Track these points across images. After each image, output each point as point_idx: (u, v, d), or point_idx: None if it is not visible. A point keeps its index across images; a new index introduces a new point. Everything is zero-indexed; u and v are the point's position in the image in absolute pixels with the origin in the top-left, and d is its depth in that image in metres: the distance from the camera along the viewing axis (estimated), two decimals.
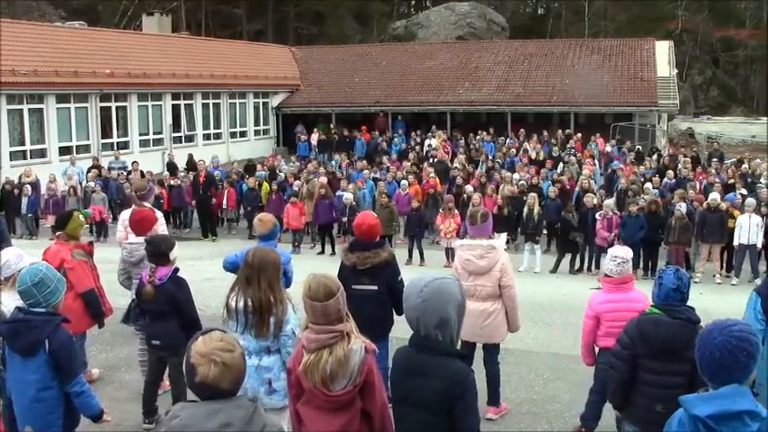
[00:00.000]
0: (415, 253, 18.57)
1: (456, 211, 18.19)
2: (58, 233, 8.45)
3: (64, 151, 28.27)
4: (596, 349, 7.23)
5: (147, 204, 9.67)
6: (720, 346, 3.35)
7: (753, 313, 5.46)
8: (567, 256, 17.82)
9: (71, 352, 5.37)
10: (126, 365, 9.22)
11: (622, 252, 7.12)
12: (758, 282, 15.47)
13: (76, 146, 29.16)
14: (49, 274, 5.40)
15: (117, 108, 31.62)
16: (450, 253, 17.21)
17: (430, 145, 31.73)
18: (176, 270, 7.24)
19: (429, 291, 3.88)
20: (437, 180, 22.77)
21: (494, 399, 7.69)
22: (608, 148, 29.90)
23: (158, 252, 7.16)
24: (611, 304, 6.96)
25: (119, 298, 9.03)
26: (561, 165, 25.98)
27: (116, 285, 8.96)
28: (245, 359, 3.39)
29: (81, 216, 8.73)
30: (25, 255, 6.51)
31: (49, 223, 20.14)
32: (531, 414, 8.02)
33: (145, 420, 7.39)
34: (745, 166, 25.39)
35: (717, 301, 13.43)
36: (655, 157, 27.35)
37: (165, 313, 7.06)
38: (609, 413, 6.90)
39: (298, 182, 22.52)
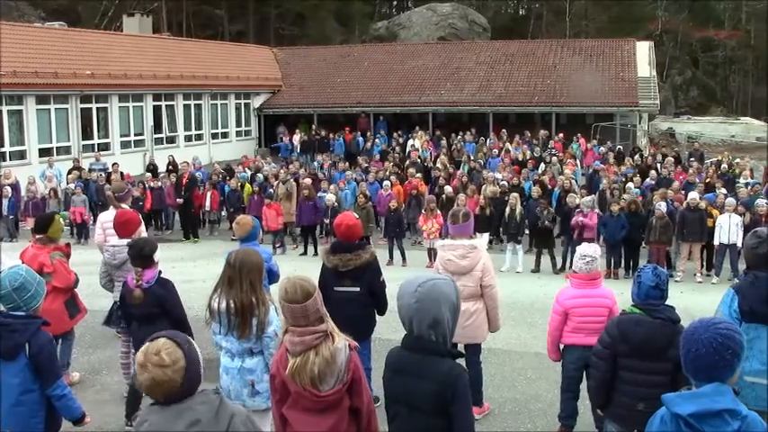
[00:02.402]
0: (397, 254, 18.55)
1: (438, 212, 18.18)
2: (38, 236, 8.38)
3: (44, 153, 28.08)
4: (561, 346, 7.29)
5: (124, 206, 9.61)
6: (706, 342, 3.36)
7: (727, 311, 5.50)
8: (546, 256, 17.90)
9: (52, 355, 5.34)
10: (107, 368, 9.17)
11: (591, 251, 7.15)
12: (738, 280, 15.65)
13: (57, 147, 29.01)
14: (29, 278, 5.36)
15: (97, 109, 31.45)
16: (432, 253, 17.21)
17: (413, 145, 31.72)
18: (159, 272, 7.19)
19: (423, 291, 3.88)
20: (421, 181, 22.76)
21: (476, 399, 7.69)
22: (602, 149, 29.92)
23: (142, 255, 7.08)
24: (580, 300, 7.01)
25: (100, 300, 8.99)
26: (543, 165, 26.10)
27: (97, 287, 8.92)
28: (185, 372, 3.29)
29: (61, 219, 8.69)
30: (7, 258, 6.45)
31: (28, 226, 20.01)
32: (514, 414, 8.04)
33: (127, 423, 7.36)
34: (724, 165, 25.58)
35: (697, 299, 13.49)
36: (637, 157, 27.48)
37: (155, 316, 6.98)
38: (588, 411, 6.94)
39: (275, 182, 22.42)
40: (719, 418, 3.31)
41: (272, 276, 7.68)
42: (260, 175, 24.03)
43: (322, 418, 4.04)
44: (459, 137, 33.30)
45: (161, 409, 3.25)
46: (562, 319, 7.10)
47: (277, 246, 19.77)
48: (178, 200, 21.89)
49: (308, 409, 4.05)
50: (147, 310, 6.94)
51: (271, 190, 21.14)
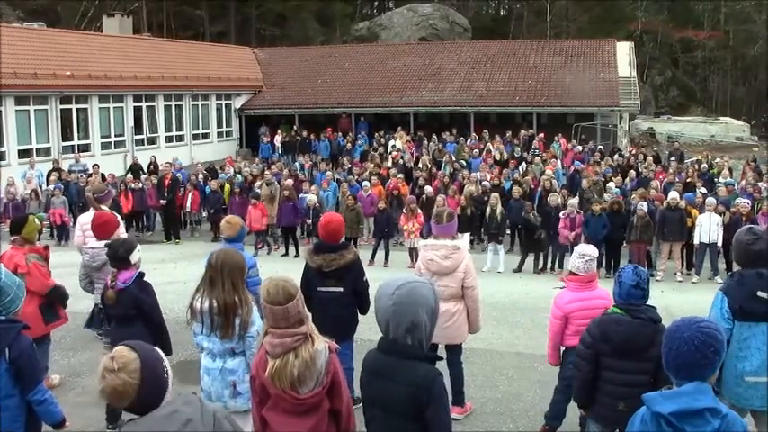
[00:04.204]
0: (380, 254, 18.55)
1: (419, 212, 18.21)
2: (13, 238, 8.30)
3: (23, 154, 27.88)
4: (562, 349, 7.27)
5: (104, 207, 9.53)
6: (688, 340, 3.39)
7: (720, 312, 5.51)
8: (531, 256, 17.95)
9: (33, 359, 5.29)
10: (88, 370, 9.10)
11: (590, 250, 7.13)
12: (719, 279, 15.77)
13: (36, 149, 28.80)
14: (9, 281, 5.32)
15: (78, 110, 31.26)
16: (413, 254, 17.21)
17: (394, 146, 31.70)
18: (141, 274, 7.13)
19: (401, 294, 3.84)
20: (402, 181, 22.75)
21: (458, 399, 7.70)
22: (579, 148, 29.98)
23: (117, 256, 7.06)
24: (580, 303, 6.96)
25: (81, 302, 8.94)
26: (524, 165, 26.16)
27: (77, 289, 8.87)
28: (140, 374, 3.25)
29: (36, 220, 8.60)
30: None
31: (7, 227, 19.84)
32: (496, 413, 8.05)
33: (108, 426, 7.32)
34: (705, 165, 25.73)
35: (678, 298, 13.59)
36: (616, 156, 27.61)
37: (131, 317, 6.96)
38: (572, 412, 6.96)
39: (258, 183, 22.36)
40: (700, 416, 3.33)
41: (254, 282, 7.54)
42: (239, 176, 24.00)
43: (302, 419, 4.03)
44: (443, 135, 33.13)
45: (142, 419, 3.21)
46: (562, 323, 7.01)
47: (259, 246, 19.73)
48: (162, 201, 21.82)
49: (287, 411, 4.05)
50: (124, 311, 6.91)
51: (258, 190, 21.05)
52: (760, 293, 5.42)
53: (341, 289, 7.34)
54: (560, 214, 17.30)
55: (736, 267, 5.95)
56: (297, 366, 3.97)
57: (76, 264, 9.12)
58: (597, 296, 6.99)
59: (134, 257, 7.09)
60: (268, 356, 4.10)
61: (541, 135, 32.61)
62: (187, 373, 8.10)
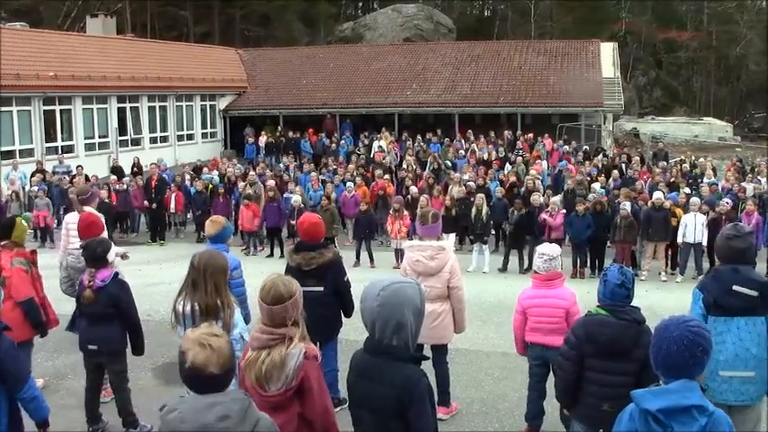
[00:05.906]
0: (365, 255, 18.53)
1: (406, 213, 18.19)
2: (2, 243, 8.20)
3: (6, 155, 27.65)
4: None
5: (87, 208, 9.46)
6: (677, 340, 3.41)
7: (697, 309, 5.56)
8: (515, 255, 17.98)
9: (17, 359, 5.26)
10: (73, 373, 9.07)
11: (549, 249, 7.24)
12: (703, 279, 15.83)
13: (19, 150, 28.58)
14: None
15: (61, 111, 31.04)
16: (399, 254, 17.21)
17: (380, 147, 31.65)
18: (116, 273, 7.12)
19: (387, 294, 3.83)
20: (388, 182, 22.72)
21: (444, 399, 7.71)
22: (566, 148, 29.98)
23: (94, 256, 7.04)
24: (537, 300, 7.12)
25: (64, 305, 8.88)
26: (508, 165, 26.20)
27: (58, 292, 8.80)
28: (232, 347, 3.41)
29: (24, 222, 8.54)
30: None
31: None
32: (481, 413, 8.07)
33: (89, 428, 7.28)
34: (686, 165, 25.85)
35: (662, 298, 13.64)
36: (601, 156, 27.67)
37: (107, 316, 6.94)
38: (555, 410, 6.97)
39: (242, 184, 22.29)
40: (688, 414, 3.35)
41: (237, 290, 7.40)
42: (216, 177, 23.94)
43: (271, 415, 4.04)
44: (422, 139, 33.06)
45: (193, 399, 3.30)
46: (522, 318, 7.23)
47: (242, 248, 19.68)
48: (152, 204, 21.75)
49: (259, 405, 4.07)
50: (102, 310, 6.91)
51: (250, 191, 20.95)
52: (736, 288, 5.44)
53: (321, 288, 7.34)
54: (543, 213, 17.43)
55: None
56: (265, 364, 4.07)
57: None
58: (556, 295, 7.09)
59: (110, 256, 7.09)
60: (250, 348, 4.21)
61: (530, 135, 32.62)
62: (172, 374, 8.06)
